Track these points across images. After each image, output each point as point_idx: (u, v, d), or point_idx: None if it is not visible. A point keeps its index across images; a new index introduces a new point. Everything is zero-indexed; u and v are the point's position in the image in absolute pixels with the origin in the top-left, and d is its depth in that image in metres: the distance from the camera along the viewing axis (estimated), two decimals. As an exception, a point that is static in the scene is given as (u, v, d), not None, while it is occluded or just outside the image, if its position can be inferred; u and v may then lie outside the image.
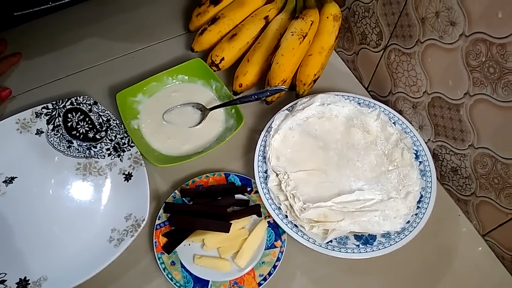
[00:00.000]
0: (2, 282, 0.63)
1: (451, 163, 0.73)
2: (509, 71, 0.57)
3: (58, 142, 0.76)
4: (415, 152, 0.74)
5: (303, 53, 0.78)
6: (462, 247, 0.71)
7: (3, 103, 0.81)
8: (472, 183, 0.70)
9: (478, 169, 0.68)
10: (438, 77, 0.69)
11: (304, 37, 0.76)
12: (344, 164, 0.73)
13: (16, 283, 0.63)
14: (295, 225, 0.67)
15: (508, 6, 0.54)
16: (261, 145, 0.74)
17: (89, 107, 0.77)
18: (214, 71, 0.83)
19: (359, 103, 0.78)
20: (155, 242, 0.66)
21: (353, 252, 0.65)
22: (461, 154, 0.70)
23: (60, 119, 0.77)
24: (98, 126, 0.76)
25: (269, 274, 0.65)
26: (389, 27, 0.75)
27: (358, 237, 0.67)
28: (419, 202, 0.69)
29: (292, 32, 0.76)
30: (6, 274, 0.64)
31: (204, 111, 0.80)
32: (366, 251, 0.65)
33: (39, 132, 0.76)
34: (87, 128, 0.76)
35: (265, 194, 0.69)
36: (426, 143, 0.75)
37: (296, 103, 0.78)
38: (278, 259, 0.66)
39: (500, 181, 0.65)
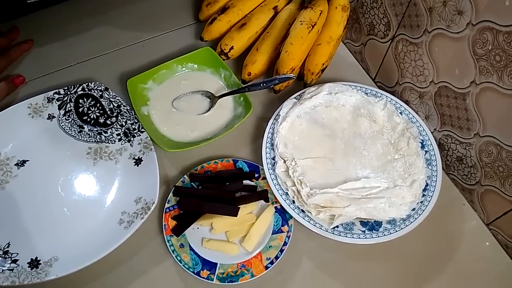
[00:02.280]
0: (15, 261, 0.64)
1: (457, 152, 0.73)
2: (516, 59, 0.58)
3: (70, 127, 0.77)
4: (421, 141, 0.75)
5: (312, 42, 0.79)
6: (467, 236, 0.72)
7: (17, 89, 0.82)
8: (477, 172, 0.71)
9: (483, 157, 0.69)
10: (445, 67, 0.70)
11: (313, 27, 0.77)
12: (351, 153, 0.74)
13: (28, 263, 0.64)
14: (302, 211, 0.68)
15: (515, -6, 0.55)
16: (269, 132, 0.75)
17: (100, 93, 0.78)
18: (223, 59, 0.84)
19: (366, 93, 0.79)
20: (165, 225, 0.68)
21: (359, 238, 0.65)
22: (466, 143, 0.71)
23: (72, 104, 0.78)
24: (109, 112, 0.78)
25: (276, 257, 0.66)
26: (397, 17, 0.76)
27: (364, 223, 0.67)
28: (424, 190, 0.70)
29: (301, 21, 0.77)
30: (18, 254, 0.65)
31: (213, 99, 0.81)
32: (372, 237, 0.66)
33: (50, 117, 0.77)
34: (98, 114, 0.78)
35: (272, 180, 0.70)
36: (432, 132, 0.76)
37: (304, 92, 0.79)
38: (285, 244, 0.67)
39: (505, 169, 0.65)
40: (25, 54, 0.87)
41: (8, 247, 0.65)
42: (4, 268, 0.63)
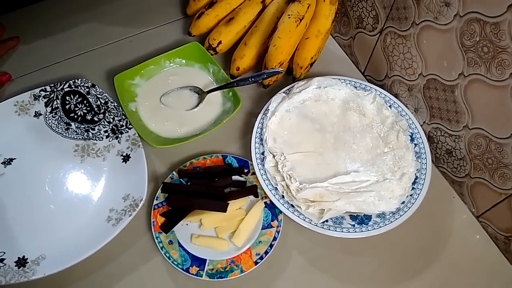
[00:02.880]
0: (1, 260, 0.63)
1: (446, 145, 0.73)
2: (503, 50, 0.57)
3: (56, 124, 0.76)
4: (411, 134, 0.74)
5: (300, 36, 0.79)
6: (457, 229, 0.72)
7: (3, 87, 0.81)
8: (466, 164, 0.71)
9: (472, 150, 0.69)
10: (433, 59, 0.70)
11: (301, 20, 0.76)
12: (340, 146, 0.74)
13: (15, 262, 0.63)
14: (292, 205, 0.67)
15: (502, -15, 0.55)
16: (258, 127, 0.74)
17: (87, 89, 0.78)
18: (212, 54, 0.83)
19: (355, 87, 0.79)
20: (153, 222, 0.67)
21: (349, 232, 0.65)
22: (455, 136, 0.71)
23: (58, 101, 0.77)
24: (96, 109, 0.77)
25: (266, 253, 0.65)
26: (385, 9, 0.75)
27: (353, 217, 0.67)
28: (414, 183, 0.70)
29: (289, 15, 0.77)
30: (4, 253, 0.64)
31: (201, 94, 0.81)
32: (362, 231, 0.65)
33: (37, 115, 0.76)
34: (85, 111, 0.77)
35: (262, 175, 0.70)
36: (421, 125, 0.76)
37: (293, 86, 0.78)
38: (274, 239, 0.66)
39: (494, 161, 0.65)
40: (11, 51, 0.86)
41: (-6, 246, 0.65)
42: (-10, 268, 0.62)
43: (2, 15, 0.89)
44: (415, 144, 0.73)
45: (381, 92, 0.78)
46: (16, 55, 0.87)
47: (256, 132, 0.74)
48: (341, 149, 0.74)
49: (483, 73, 0.61)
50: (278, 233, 0.67)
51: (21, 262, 0.63)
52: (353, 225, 0.66)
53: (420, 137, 0.74)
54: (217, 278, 0.63)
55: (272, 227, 0.68)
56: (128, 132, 0.74)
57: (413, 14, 0.69)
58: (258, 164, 0.71)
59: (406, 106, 0.77)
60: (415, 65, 0.73)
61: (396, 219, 0.66)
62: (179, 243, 0.66)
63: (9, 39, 0.85)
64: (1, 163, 0.72)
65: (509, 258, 0.69)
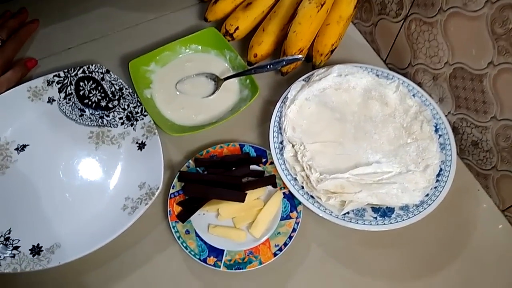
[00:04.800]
0: (16, 248, 0.62)
1: (472, 136, 0.71)
2: (539, 37, 0.55)
3: (70, 111, 0.74)
4: (435, 125, 0.72)
5: (321, 22, 0.76)
6: (481, 222, 0.69)
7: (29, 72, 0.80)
8: (493, 156, 0.68)
9: (500, 142, 0.66)
10: (461, 47, 0.67)
11: (322, 5, 0.74)
12: (361, 136, 0.72)
13: (30, 250, 0.62)
14: (311, 196, 0.65)
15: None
16: (276, 116, 0.72)
17: (101, 75, 0.76)
18: (228, 40, 0.81)
19: (378, 75, 0.76)
20: (169, 211, 0.65)
21: (371, 224, 0.63)
22: (482, 127, 0.68)
23: (72, 87, 0.75)
24: (110, 95, 0.75)
25: (285, 244, 0.64)
26: (410, -5, 0.73)
27: (375, 209, 0.65)
28: (438, 175, 0.68)
29: (309, 0, 0.74)
30: (19, 240, 0.63)
31: (218, 81, 0.79)
32: (384, 223, 0.63)
33: (50, 100, 0.75)
34: (99, 97, 0.75)
35: (280, 164, 0.68)
36: (446, 116, 0.73)
37: (312, 74, 0.76)
38: (293, 230, 0.65)
39: (523, 153, 0.63)
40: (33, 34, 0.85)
41: (9, 233, 0.64)
42: (5, 255, 0.61)
43: (15, 0, 0.87)
44: (440, 135, 0.71)
45: (404, 81, 0.76)
46: (29, 40, 0.85)
47: (275, 121, 0.72)
48: (362, 139, 0.71)
49: (515, 62, 0.59)
50: (297, 225, 0.65)
51: (36, 250, 0.62)
52: (375, 218, 0.64)
53: (445, 127, 0.71)
54: (235, 269, 0.62)
55: (291, 218, 0.66)
56: (143, 119, 0.73)
57: (441, 0, 0.67)
58: (276, 154, 0.69)
59: (430, 96, 0.75)
60: (441, 53, 0.71)
61: (420, 212, 0.64)
62: (196, 233, 0.64)
63: (30, 22, 0.84)
64: (14, 149, 0.71)
65: (536, 253, 0.67)
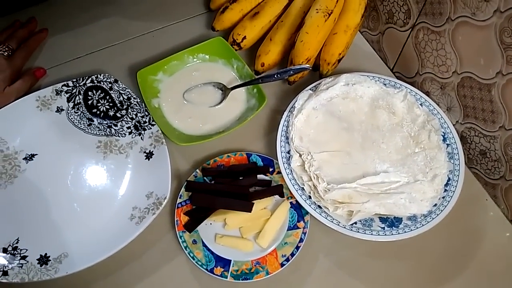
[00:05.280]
0: (24, 257, 0.62)
1: (480, 145, 0.71)
2: (548, 47, 0.54)
3: (79, 120, 0.75)
4: (443, 134, 0.72)
5: (328, 31, 0.76)
6: (490, 232, 0.69)
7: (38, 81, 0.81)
8: (501, 166, 0.68)
9: (508, 151, 0.66)
10: (469, 56, 0.67)
11: (330, 15, 0.74)
12: (369, 146, 0.72)
13: (37, 259, 0.62)
14: (319, 206, 0.65)
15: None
16: (283, 125, 0.72)
17: (110, 85, 0.76)
18: (236, 50, 0.82)
19: (385, 84, 0.76)
20: (177, 220, 0.66)
21: (378, 235, 0.63)
22: (491, 136, 0.68)
23: (81, 96, 0.76)
24: (118, 104, 0.75)
25: (292, 255, 0.63)
26: (417, 4, 0.72)
27: (383, 219, 0.65)
28: (446, 185, 0.67)
29: (317, 9, 0.74)
30: (27, 250, 0.63)
31: (225, 90, 0.79)
32: (392, 234, 0.63)
33: (59, 110, 0.75)
34: (107, 106, 0.76)
35: (288, 174, 0.68)
36: (454, 125, 0.73)
37: (319, 83, 0.76)
38: (301, 240, 0.65)
39: (533, 163, 0.63)
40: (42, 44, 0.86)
41: (17, 243, 0.64)
42: (13, 265, 0.61)
43: (23, 10, 0.88)
44: (448, 145, 0.71)
45: (412, 90, 0.75)
46: (38, 50, 0.85)
47: (282, 130, 0.72)
48: (369, 148, 0.71)
49: (524, 71, 0.59)
50: (304, 235, 0.65)
51: (43, 260, 0.63)
52: (383, 228, 0.64)
53: (453, 137, 0.71)
54: (242, 280, 0.61)
55: (298, 228, 0.66)
56: (151, 128, 0.73)
57: (449, 10, 0.67)
58: (284, 163, 0.69)
59: (438, 105, 0.75)
60: (449, 62, 0.70)
61: (428, 222, 0.64)
62: (203, 242, 0.64)
63: (39, 31, 0.85)
64: (23, 158, 0.71)
65: (545, 264, 0.66)
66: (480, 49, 0.64)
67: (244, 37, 0.81)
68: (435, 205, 0.66)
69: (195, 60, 0.83)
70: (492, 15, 0.60)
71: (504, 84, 0.62)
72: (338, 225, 0.64)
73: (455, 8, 0.65)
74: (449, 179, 0.68)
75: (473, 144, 0.72)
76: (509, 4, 0.57)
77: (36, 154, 0.72)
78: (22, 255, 0.63)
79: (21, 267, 0.61)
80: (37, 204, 0.68)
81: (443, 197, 0.66)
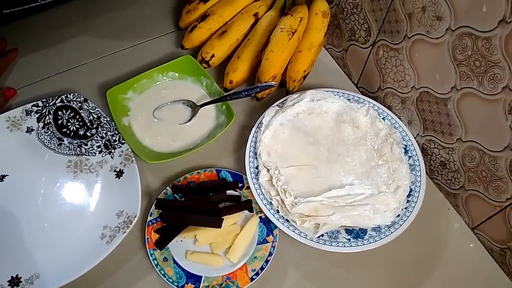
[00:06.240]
0: (-6, 280, 0.62)
1: (440, 157, 0.73)
2: (495, 64, 0.57)
3: (49, 140, 0.75)
4: (404, 146, 0.74)
5: (293, 49, 0.79)
6: (452, 241, 0.72)
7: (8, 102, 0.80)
8: (460, 176, 0.71)
9: (466, 162, 0.69)
10: (426, 72, 0.70)
11: (294, 33, 0.76)
12: (335, 159, 0.74)
13: (8, 281, 0.62)
14: (287, 220, 0.67)
15: (492, 0, 0.55)
16: (252, 141, 0.74)
17: (80, 104, 0.77)
18: (205, 68, 0.83)
19: (349, 99, 0.79)
20: (147, 238, 0.66)
21: (344, 246, 0.65)
22: (449, 148, 0.71)
23: (51, 116, 0.76)
24: (88, 124, 0.76)
25: (262, 269, 0.65)
26: (377, 23, 0.75)
27: (349, 231, 0.67)
28: (408, 196, 0.70)
29: (281, 28, 0.77)
30: (-3, 272, 0.63)
31: (195, 108, 0.80)
32: (357, 245, 0.65)
33: (29, 130, 0.75)
34: (77, 126, 0.76)
35: (256, 189, 0.69)
36: (415, 137, 0.76)
37: (286, 99, 0.78)
38: (270, 254, 0.66)
39: (488, 173, 0.65)
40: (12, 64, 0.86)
41: (-13, 265, 0.64)
42: (-17, 288, 0.61)
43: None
44: (409, 157, 0.73)
45: (374, 105, 0.78)
46: (8, 70, 0.86)
47: (250, 146, 0.73)
48: (335, 162, 0.74)
49: (476, 86, 0.62)
50: (273, 248, 0.67)
51: (15, 281, 0.63)
52: (349, 239, 0.66)
53: (414, 149, 0.74)
54: (212, 295, 0.63)
55: (267, 242, 0.67)
56: (121, 147, 0.74)
57: (405, 28, 0.70)
58: (252, 179, 0.70)
59: (400, 119, 0.77)
60: (408, 78, 0.74)
61: (392, 232, 0.66)
62: (174, 259, 0.65)
63: (9, 51, 0.85)
64: (-7, 180, 0.71)
65: (505, 270, 0.69)
66: (436, 65, 0.67)
67: (213, 55, 0.83)
68: (398, 215, 0.68)
69: (164, 78, 0.84)
70: (444, 33, 0.63)
71: (459, 98, 0.65)
72: (306, 238, 0.65)
73: (411, 27, 0.69)
74: (411, 190, 0.70)
75: (434, 155, 0.75)
76: (459, 23, 0.60)
77: (6, 175, 0.72)
78: (-8, 277, 0.63)
79: (-9, 289, 0.61)
80: (8, 225, 0.68)
81: (406, 208, 0.69)
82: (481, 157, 0.66)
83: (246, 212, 0.70)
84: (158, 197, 0.70)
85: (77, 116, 0.77)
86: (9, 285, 0.62)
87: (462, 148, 0.68)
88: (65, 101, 0.77)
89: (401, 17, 0.69)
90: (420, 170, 0.72)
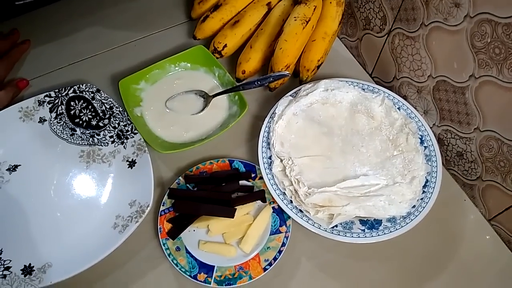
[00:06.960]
0: (7, 268, 0.62)
1: (457, 147, 0.72)
2: (516, 51, 0.56)
3: (61, 130, 0.75)
4: (420, 137, 0.73)
5: (306, 38, 0.78)
6: (468, 232, 0.70)
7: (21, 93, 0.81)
8: (478, 167, 0.70)
9: (484, 152, 0.67)
10: (443, 60, 0.69)
11: (307, 22, 0.75)
12: (349, 150, 0.73)
13: (21, 270, 0.63)
14: (300, 210, 0.66)
15: (513, -16, 0.54)
16: (265, 131, 0.73)
17: (92, 94, 0.77)
18: (217, 58, 0.83)
19: (363, 89, 0.78)
20: (160, 228, 0.66)
21: (359, 237, 0.64)
22: (466, 138, 0.70)
23: (63, 107, 0.76)
24: (101, 114, 0.76)
25: (274, 259, 0.64)
26: (392, 11, 0.74)
27: (363, 222, 0.66)
28: (424, 186, 0.69)
29: (295, 17, 0.76)
30: (11, 261, 0.63)
31: (207, 98, 0.80)
32: (372, 236, 0.64)
33: (42, 120, 0.75)
34: (90, 116, 0.76)
35: (269, 179, 0.69)
36: (431, 128, 0.74)
37: (299, 89, 0.77)
38: (283, 244, 0.66)
39: (507, 164, 0.64)
40: (24, 55, 0.86)
41: (0, 254, 0.64)
42: (-4, 276, 0.61)
43: (6, 21, 0.88)
44: (425, 147, 0.72)
45: (389, 94, 0.77)
46: (21, 61, 0.86)
47: (263, 136, 0.73)
48: (349, 152, 0.73)
49: (495, 74, 0.60)
50: (287, 239, 0.66)
51: (27, 270, 0.63)
52: (363, 230, 0.65)
53: (430, 139, 0.73)
54: (225, 285, 0.62)
55: (280, 232, 0.67)
56: (133, 137, 0.74)
57: (422, 15, 0.68)
58: (265, 169, 0.70)
59: (415, 108, 0.76)
60: (424, 67, 0.72)
61: (407, 223, 0.65)
62: (186, 249, 0.65)
63: (21, 42, 0.86)
64: (6, 169, 0.72)
65: (522, 262, 0.68)
66: (453, 53, 0.66)
67: (225, 45, 0.82)
68: (414, 206, 0.67)
69: (177, 68, 0.84)
70: (462, 20, 0.62)
71: (477, 86, 0.64)
72: (319, 228, 0.65)
73: (428, 14, 0.67)
74: (427, 181, 0.69)
75: (450, 146, 0.73)
76: (478, 10, 0.59)
77: (19, 165, 0.72)
78: (5, 266, 0.63)
79: (5, 278, 0.61)
80: (21, 214, 0.68)
81: (422, 199, 0.67)
82: (499, 147, 0.64)
83: (259, 202, 0.70)
84: (171, 186, 0.70)
85: (90, 107, 0.77)
86: (22, 273, 0.62)
87: (480, 138, 0.67)
88: (77, 91, 0.77)
89: (418, 4, 0.68)
90: (436, 161, 0.71)
